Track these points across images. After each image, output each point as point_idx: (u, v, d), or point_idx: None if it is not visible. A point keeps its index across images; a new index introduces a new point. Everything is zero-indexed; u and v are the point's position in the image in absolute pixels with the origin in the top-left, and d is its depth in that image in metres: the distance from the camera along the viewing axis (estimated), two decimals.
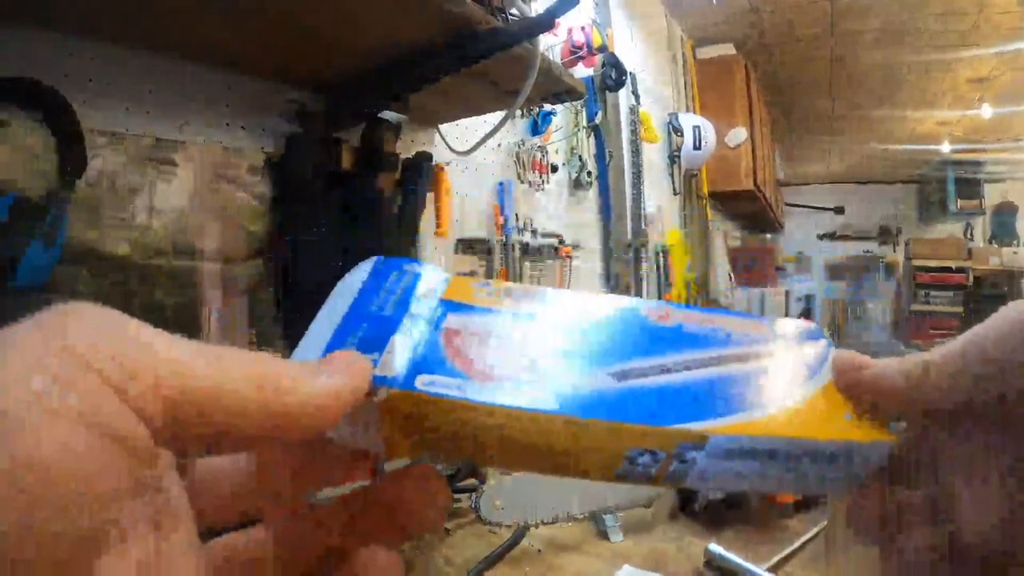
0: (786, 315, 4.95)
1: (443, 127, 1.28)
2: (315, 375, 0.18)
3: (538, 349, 0.23)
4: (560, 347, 0.23)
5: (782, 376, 0.24)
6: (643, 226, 2.38)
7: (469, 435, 0.21)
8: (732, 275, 3.45)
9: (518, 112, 1.47)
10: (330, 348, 0.22)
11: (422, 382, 0.21)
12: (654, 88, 2.75)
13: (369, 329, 0.22)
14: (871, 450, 0.23)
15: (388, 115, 1.07)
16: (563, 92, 1.12)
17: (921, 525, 0.23)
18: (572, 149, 1.89)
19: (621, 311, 0.25)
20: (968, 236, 6.00)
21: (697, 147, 2.89)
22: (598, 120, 1.99)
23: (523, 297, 0.25)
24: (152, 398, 0.15)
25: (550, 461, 0.22)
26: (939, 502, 0.24)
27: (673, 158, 2.91)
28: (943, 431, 0.24)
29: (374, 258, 0.26)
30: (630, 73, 2.23)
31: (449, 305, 0.24)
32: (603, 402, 0.21)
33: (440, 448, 0.22)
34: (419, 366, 0.21)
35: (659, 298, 2.55)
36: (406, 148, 1.14)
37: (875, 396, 0.23)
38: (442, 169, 1.22)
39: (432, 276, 0.25)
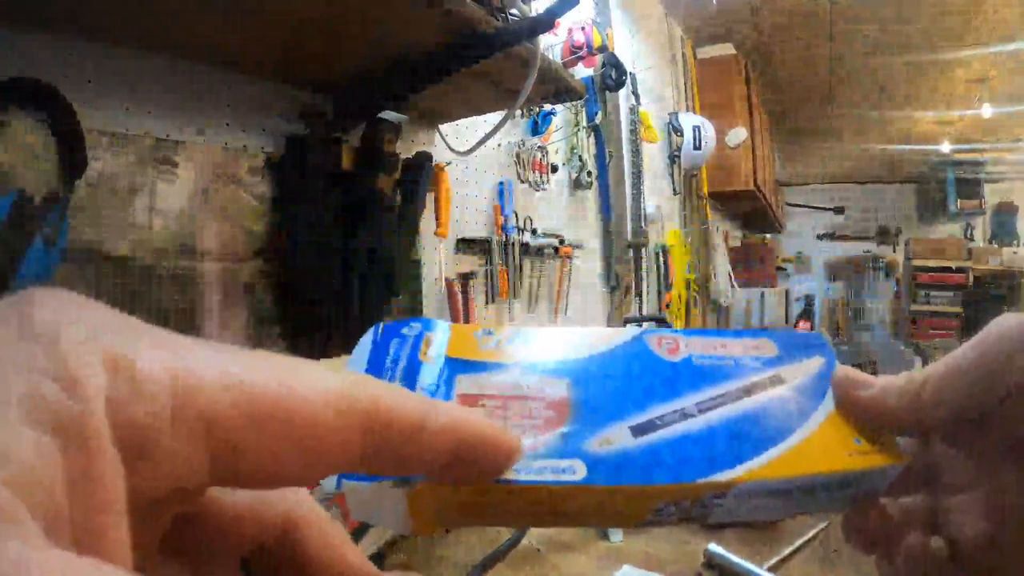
0: (786, 315, 4.90)
1: (443, 127, 1.28)
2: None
3: (554, 406, 0.23)
4: (576, 400, 0.23)
5: (794, 405, 0.24)
6: (643, 226, 2.38)
7: (498, 510, 0.21)
8: (732, 275, 3.45)
9: (518, 112, 1.48)
10: None
11: None
12: (654, 88, 2.75)
13: None
14: (883, 473, 0.23)
15: (388, 115, 1.07)
16: (563, 92, 1.12)
17: (916, 534, 0.23)
18: (572, 149, 1.89)
19: (628, 346, 0.25)
20: (968, 236, 6.00)
21: (697, 147, 2.89)
22: (598, 120, 1.99)
23: (528, 342, 0.25)
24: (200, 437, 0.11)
25: (580, 520, 0.23)
26: (933, 512, 0.24)
27: (673, 158, 2.91)
28: (938, 443, 0.25)
29: (371, 330, 0.25)
30: (630, 73, 2.23)
31: (456, 365, 0.24)
32: (629, 464, 0.21)
33: (468, 519, 0.22)
34: None
35: (659, 298, 2.55)
36: (406, 148, 1.15)
37: (874, 417, 0.23)
38: (442, 169, 1.22)
39: (433, 333, 0.25)
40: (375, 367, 0.23)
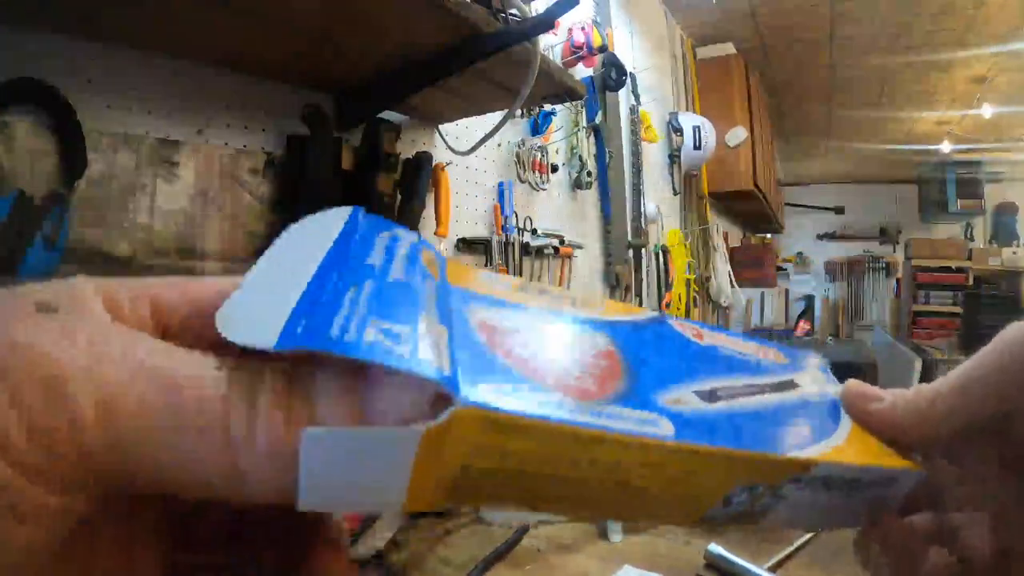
0: (786, 315, 4.89)
1: (443, 127, 1.28)
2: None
3: (603, 355, 0.18)
4: (624, 353, 0.18)
5: (827, 406, 0.23)
6: (643, 226, 2.38)
7: (544, 472, 0.15)
8: (732, 275, 3.45)
9: (518, 112, 1.47)
10: (309, 301, 0.13)
11: (489, 393, 0.13)
12: (654, 88, 2.75)
13: (377, 290, 0.14)
14: (913, 478, 0.22)
15: (389, 115, 1.07)
16: (563, 92, 1.12)
17: (929, 552, 0.23)
18: (572, 149, 1.89)
19: (652, 321, 0.22)
20: (968, 236, 6.00)
21: (697, 147, 2.89)
22: (598, 120, 1.99)
23: (542, 295, 0.20)
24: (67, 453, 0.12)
25: (631, 504, 0.18)
26: (940, 531, 0.24)
27: (673, 158, 2.91)
28: (950, 459, 0.25)
29: (348, 208, 0.18)
30: (630, 73, 2.23)
31: (463, 293, 0.17)
32: (715, 428, 0.17)
33: (488, 492, 0.15)
34: (471, 369, 0.14)
35: (659, 298, 2.55)
36: (406, 148, 1.15)
37: (885, 431, 0.23)
38: (442, 169, 1.22)
39: (431, 251, 0.18)
40: (354, 244, 0.16)
